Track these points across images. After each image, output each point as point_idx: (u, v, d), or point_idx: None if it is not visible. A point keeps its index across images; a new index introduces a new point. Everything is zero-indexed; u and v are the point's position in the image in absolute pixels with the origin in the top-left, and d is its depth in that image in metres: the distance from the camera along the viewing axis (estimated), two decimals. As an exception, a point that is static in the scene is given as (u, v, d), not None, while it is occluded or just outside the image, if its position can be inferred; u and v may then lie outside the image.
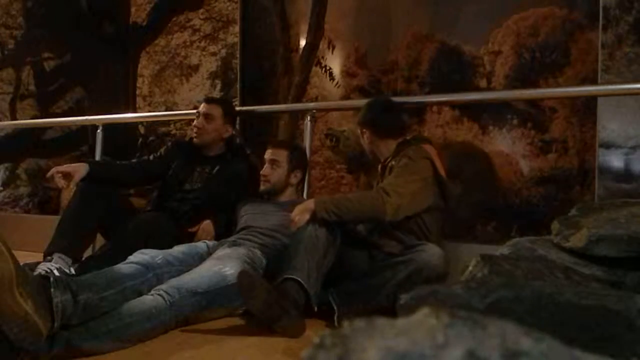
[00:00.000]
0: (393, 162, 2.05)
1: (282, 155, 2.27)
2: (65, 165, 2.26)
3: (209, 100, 2.55)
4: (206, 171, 2.46)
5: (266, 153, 2.31)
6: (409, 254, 1.86)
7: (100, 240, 2.46)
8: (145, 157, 2.56)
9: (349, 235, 1.97)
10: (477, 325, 0.44)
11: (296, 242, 1.78)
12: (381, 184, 1.96)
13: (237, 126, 3.51)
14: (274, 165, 2.26)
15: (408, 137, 2.17)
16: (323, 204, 1.83)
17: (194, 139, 2.50)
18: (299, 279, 1.68)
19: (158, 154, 2.56)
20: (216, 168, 2.46)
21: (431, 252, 1.83)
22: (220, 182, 2.43)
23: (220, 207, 2.39)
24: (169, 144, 2.64)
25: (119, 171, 2.44)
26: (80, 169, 2.22)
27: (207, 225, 2.31)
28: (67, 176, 2.20)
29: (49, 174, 2.22)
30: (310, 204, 1.86)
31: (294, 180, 2.31)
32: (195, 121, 2.50)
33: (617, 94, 2.24)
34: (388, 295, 1.78)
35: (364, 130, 2.20)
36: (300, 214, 1.85)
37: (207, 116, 2.46)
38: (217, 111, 2.48)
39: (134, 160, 2.55)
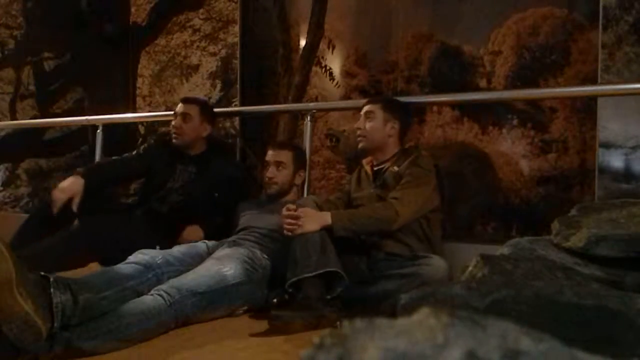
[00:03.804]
0: (395, 168, 2.05)
1: (287, 156, 2.26)
2: (61, 185, 2.18)
3: (185, 100, 2.53)
4: (188, 170, 2.43)
5: (268, 155, 2.28)
6: (414, 267, 1.87)
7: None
8: (127, 155, 2.52)
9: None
10: (477, 325, 0.44)
11: (312, 242, 1.80)
12: (394, 194, 1.95)
13: (237, 126, 3.53)
14: (279, 166, 2.24)
15: (407, 146, 2.18)
16: (340, 222, 1.86)
17: (174, 140, 2.44)
18: (337, 269, 1.78)
19: (138, 151, 2.53)
20: (198, 168, 2.43)
21: (436, 266, 1.85)
22: (203, 182, 2.39)
23: (206, 208, 2.36)
24: (152, 141, 2.62)
25: (111, 172, 2.42)
26: (77, 188, 2.16)
27: (192, 229, 2.30)
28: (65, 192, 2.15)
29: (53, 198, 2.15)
30: (326, 218, 1.86)
31: (298, 180, 2.30)
32: (173, 122, 2.46)
33: (617, 94, 2.24)
34: (389, 306, 1.79)
35: (395, 122, 2.11)
36: (310, 224, 1.84)
37: (184, 116, 2.43)
38: (194, 110, 2.45)
39: (119, 157, 2.52)
